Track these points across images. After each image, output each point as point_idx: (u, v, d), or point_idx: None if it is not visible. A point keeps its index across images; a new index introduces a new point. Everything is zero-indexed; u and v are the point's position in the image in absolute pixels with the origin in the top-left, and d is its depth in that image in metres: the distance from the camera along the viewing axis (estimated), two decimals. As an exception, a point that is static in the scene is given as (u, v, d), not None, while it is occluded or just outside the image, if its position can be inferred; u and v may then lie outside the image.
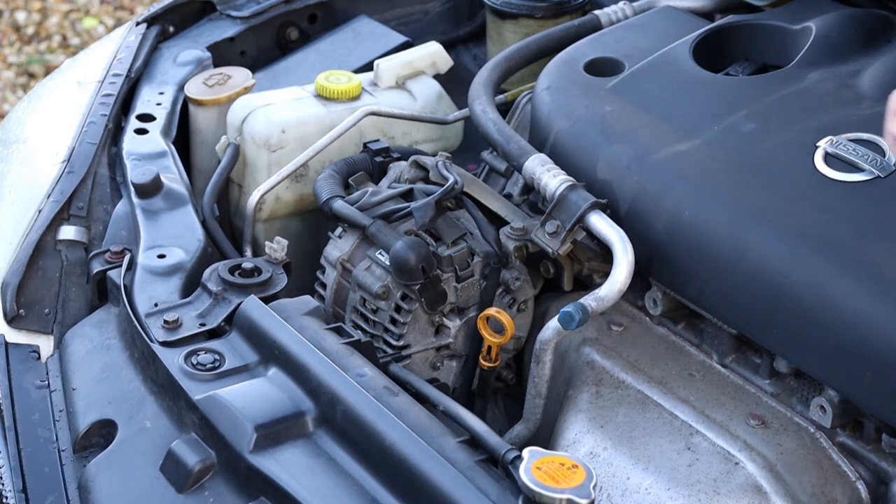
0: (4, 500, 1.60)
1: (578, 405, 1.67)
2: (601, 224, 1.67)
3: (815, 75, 1.82)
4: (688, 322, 1.73)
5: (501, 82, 2.04)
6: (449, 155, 1.93)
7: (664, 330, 1.75)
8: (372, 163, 1.98)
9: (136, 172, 1.95)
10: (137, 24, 2.38)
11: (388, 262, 1.76)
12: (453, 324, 1.81)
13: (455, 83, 2.23)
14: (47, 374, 1.77)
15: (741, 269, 1.60)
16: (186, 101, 2.20)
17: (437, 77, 2.20)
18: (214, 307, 1.71)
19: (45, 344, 1.84)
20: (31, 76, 4.78)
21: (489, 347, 1.74)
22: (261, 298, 1.69)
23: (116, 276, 1.79)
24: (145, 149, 2.05)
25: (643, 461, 1.58)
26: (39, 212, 1.94)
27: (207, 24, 2.43)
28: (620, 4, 2.17)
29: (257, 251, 2.00)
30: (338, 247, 1.85)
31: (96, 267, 1.82)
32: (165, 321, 1.67)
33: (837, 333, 1.53)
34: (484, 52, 2.50)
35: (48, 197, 1.96)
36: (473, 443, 1.49)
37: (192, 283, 1.77)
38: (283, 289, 1.75)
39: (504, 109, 2.08)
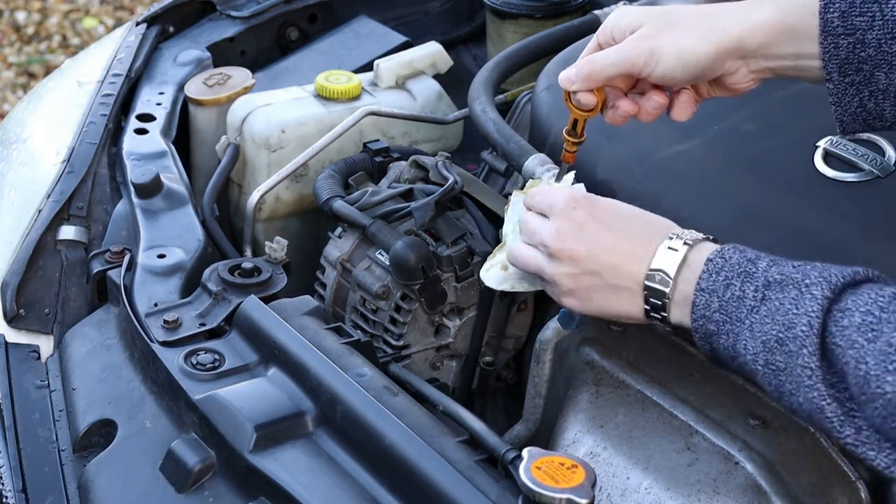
0: (4, 500, 1.60)
1: (578, 405, 1.66)
2: (601, 224, 1.66)
3: (814, 75, 1.82)
4: (688, 322, 1.73)
5: (501, 82, 2.04)
6: (449, 155, 1.93)
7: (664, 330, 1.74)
8: (372, 163, 1.98)
9: (136, 172, 1.95)
10: (137, 24, 2.38)
11: (387, 262, 1.76)
12: (453, 324, 1.81)
13: (455, 83, 2.23)
14: (47, 373, 1.77)
15: (741, 268, 1.60)
16: (186, 101, 2.20)
17: (437, 77, 2.20)
18: (214, 307, 1.71)
19: (45, 344, 1.84)
20: (31, 76, 4.78)
21: (575, 122, 1.61)
22: (261, 298, 1.69)
23: (116, 276, 1.79)
24: (145, 149, 2.05)
25: (643, 461, 1.58)
26: (39, 212, 1.94)
27: (207, 24, 2.43)
28: (620, 4, 2.17)
29: (257, 251, 2.00)
30: (338, 247, 1.85)
31: (96, 267, 1.82)
32: (165, 321, 1.67)
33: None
34: (484, 52, 2.50)
35: (48, 197, 1.96)
36: (473, 443, 1.48)
37: (191, 283, 1.77)
38: (283, 289, 1.75)
39: (504, 109, 2.08)
